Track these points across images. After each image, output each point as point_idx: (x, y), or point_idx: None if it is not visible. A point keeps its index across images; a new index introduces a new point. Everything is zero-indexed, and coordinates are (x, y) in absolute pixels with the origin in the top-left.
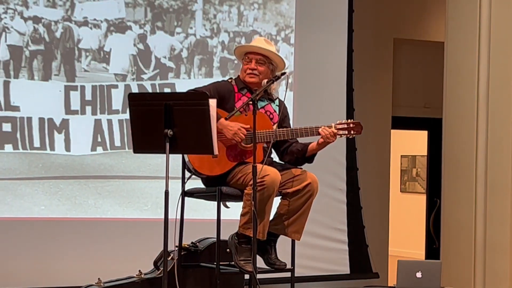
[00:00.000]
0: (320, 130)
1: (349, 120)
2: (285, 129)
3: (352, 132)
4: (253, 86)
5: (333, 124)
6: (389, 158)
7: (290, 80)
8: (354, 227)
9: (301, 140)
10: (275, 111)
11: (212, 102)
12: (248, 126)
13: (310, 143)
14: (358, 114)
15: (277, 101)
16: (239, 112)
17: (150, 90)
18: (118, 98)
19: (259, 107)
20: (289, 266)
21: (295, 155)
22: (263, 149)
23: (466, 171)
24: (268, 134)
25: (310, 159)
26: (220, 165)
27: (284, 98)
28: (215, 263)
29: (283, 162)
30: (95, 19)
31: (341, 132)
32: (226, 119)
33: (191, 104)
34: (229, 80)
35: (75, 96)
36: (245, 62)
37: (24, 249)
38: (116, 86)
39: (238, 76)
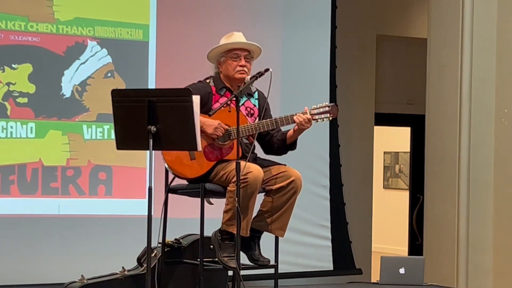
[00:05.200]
0: (295, 117)
1: (324, 104)
2: (261, 121)
3: (328, 115)
4: (237, 83)
5: (308, 110)
6: (372, 155)
7: (273, 77)
8: (337, 223)
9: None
10: (255, 106)
11: (196, 99)
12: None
13: (288, 131)
14: (341, 111)
15: (256, 95)
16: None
17: None
18: None
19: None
20: (272, 262)
21: (276, 145)
22: (242, 145)
23: (449, 168)
24: (244, 129)
25: (291, 146)
26: (200, 166)
27: (268, 95)
28: (198, 260)
29: (267, 157)
30: None
31: (317, 116)
32: (209, 115)
33: (175, 101)
34: (207, 81)
35: None
36: (232, 60)
37: (7, 246)
38: None
39: (218, 74)
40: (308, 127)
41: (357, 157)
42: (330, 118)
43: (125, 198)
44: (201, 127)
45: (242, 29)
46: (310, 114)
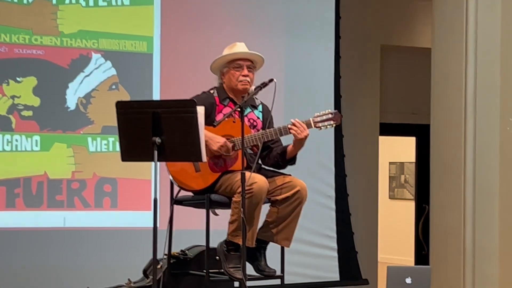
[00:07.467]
0: (289, 129)
1: (327, 111)
2: (265, 130)
3: (332, 122)
4: (241, 94)
5: (311, 118)
6: (378, 165)
7: (277, 87)
8: (343, 233)
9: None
10: (258, 118)
11: (200, 110)
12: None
13: (289, 145)
14: (346, 121)
15: (260, 107)
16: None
17: None
18: None
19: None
20: (278, 273)
21: (275, 159)
22: (246, 155)
23: (454, 177)
24: (249, 139)
25: (291, 161)
26: (204, 178)
27: (272, 106)
28: (204, 271)
29: (270, 168)
30: None
31: (320, 124)
32: (214, 126)
33: (179, 112)
34: (211, 91)
35: None
36: (235, 70)
37: (12, 259)
38: None
39: (221, 85)
40: (304, 136)
41: (362, 167)
42: (334, 125)
43: (130, 210)
44: (206, 141)
45: (246, 41)
46: (314, 122)
